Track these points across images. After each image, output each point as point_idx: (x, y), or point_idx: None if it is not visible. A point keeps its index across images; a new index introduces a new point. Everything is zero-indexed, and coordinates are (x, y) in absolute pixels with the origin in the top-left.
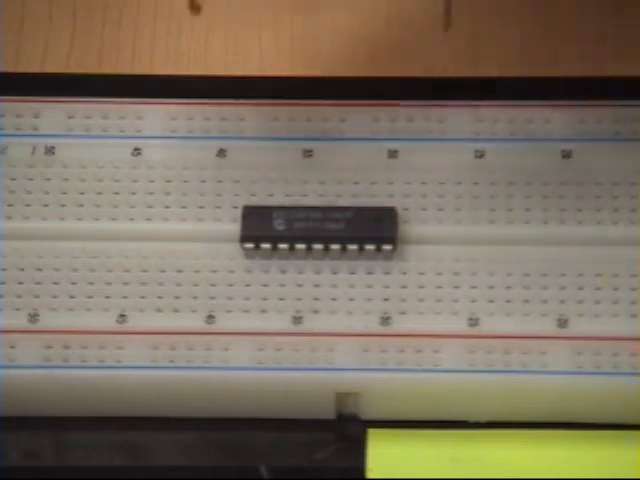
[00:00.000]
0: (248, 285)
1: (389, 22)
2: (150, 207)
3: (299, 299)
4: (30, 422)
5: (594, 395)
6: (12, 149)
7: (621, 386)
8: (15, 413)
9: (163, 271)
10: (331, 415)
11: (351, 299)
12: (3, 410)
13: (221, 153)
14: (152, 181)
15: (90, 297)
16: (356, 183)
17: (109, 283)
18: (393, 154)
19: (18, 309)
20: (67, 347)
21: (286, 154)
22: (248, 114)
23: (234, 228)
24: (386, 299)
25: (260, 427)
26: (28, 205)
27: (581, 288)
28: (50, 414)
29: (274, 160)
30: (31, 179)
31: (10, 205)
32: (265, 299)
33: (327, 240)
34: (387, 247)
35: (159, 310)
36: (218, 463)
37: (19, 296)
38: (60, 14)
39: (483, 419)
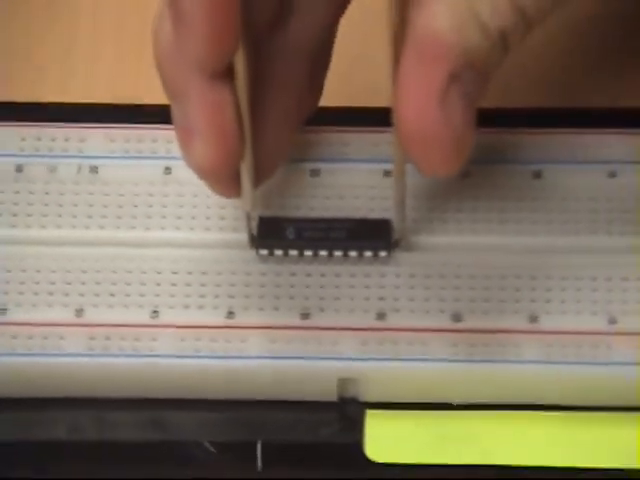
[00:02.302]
0: (263, 286)
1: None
2: (179, 218)
3: (307, 298)
4: (75, 402)
5: (560, 381)
6: (61, 168)
7: (583, 373)
8: (62, 395)
9: (190, 273)
10: (333, 398)
11: (352, 298)
12: (53, 392)
13: None
14: (181, 196)
15: (127, 295)
16: (356, 198)
17: (144, 284)
18: (388, 174)
19: (66, 305)
20: (108, 338)
21: (296, 173)
22: None
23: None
24: (381, 298)
25: (272, 408)
26: (75, 216)
27: (549, 290)
28: (92, 396)
29: (286, 179)
30: (77, 194)
31: (59, 216)
32: (277, 298)
33: (331, 247)
34: (382, 254)
35: (186, 307)
36: (235, 438)
37: (67, 294)
38: (102, 50)
39: (465, 401)
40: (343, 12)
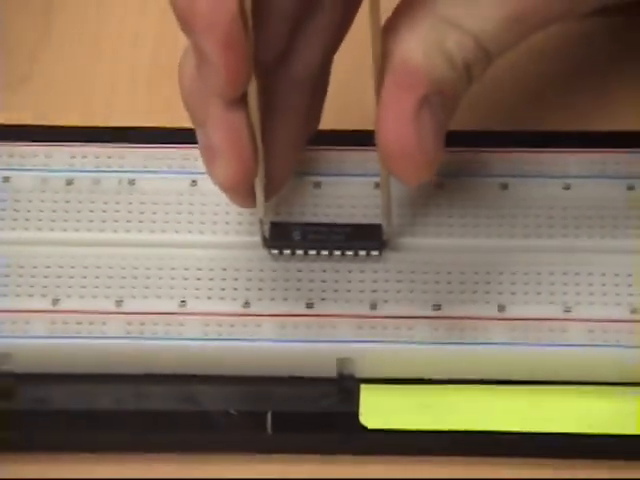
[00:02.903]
0: (274, 280)
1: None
2: (203, 223)
3: (311, 290)
4: (116, 378)
5: (523, 360)
6: (104, 181)
7: (542, 353)
8: (106, 372)
9: (212, 270)
10: (333, 374)
11: (349, 290)
12: (98, 369)
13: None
14: (204, 204)
15: (159, 288)
16: (351, 206)
17: (173, 278)
18: (378, 186)
19: (108, 297)
20: (142, 324)
21: (301, 186)
22: None
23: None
24: (374, 291)
25: (281, 383)
26: (116, 221)
27: (513, 283)
28: (130, 372)
29: (292, 190)
30: (118, 203)
31: (103, 221)
32: (286, 290)
33: (331, 248)
34: (374, 253)
35: (209, 298)
36: (250, 408)
37: (108, 287)
38: (139, 84)
39: (444, 377)
40: (336, 49)
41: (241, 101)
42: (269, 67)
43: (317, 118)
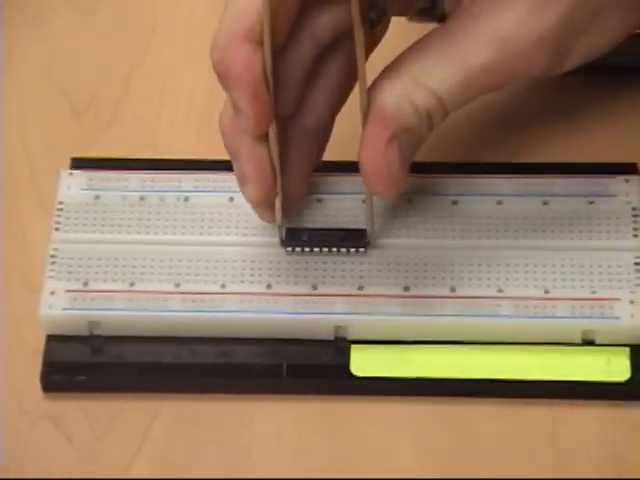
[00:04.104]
0: (288, 270)
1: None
2: (237, 228)
3: (315, 277)
4: (174, 340)
5: (468, 327)
6: (167, 198)
7: (481, 323)
8: (167, 335)
9: (244, 261)
10: (331, 337)
11: (342, 277)
12: (161, 333)
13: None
14: (239, 215)
15: (206, 275)
16: (345, 216)
17: (216, 268)
18: (364, 201)
19: (169, 281)
20: (194, 301)
21: (308, 201)
22: None
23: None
24: (361, 277)
25: (293, 344)
26: (175, 227)
27: (461, 271)
28: (185, 336)
29: (302, 204)
30: (176, 214)
31: (166, 227)
32: (297, 277)
33: (330, 246)
34: (361, 250)
35: (242, 282)
36: (271, 362)
37: (170, 274)
38: (191, 124)
39: (412, 339)
40: (341, 107)
41: (265, 140)
42: (285, 117)
43: (320, 153)
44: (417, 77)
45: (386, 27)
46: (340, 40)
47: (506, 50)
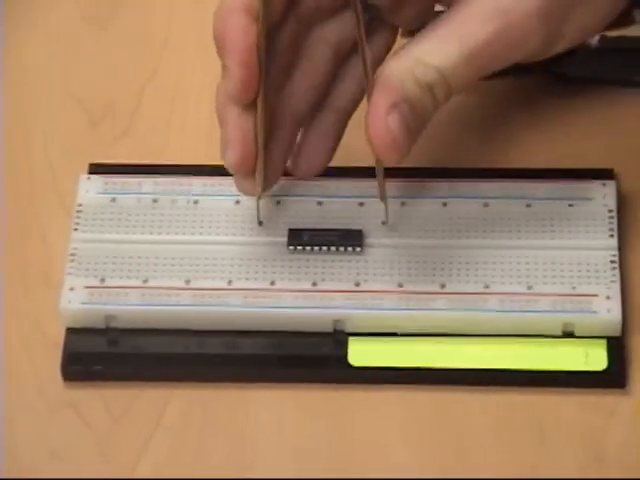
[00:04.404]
0: (291, 267)
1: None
2: (243, 229)
3: (315, 273)
4: (184, 332)
5: (457, 321)
6: (178, 201)
7: (469, 317)
8: (177, 327)
9: (249, 260)
10: (330, 330)
11: (341, 274)
12: (173, 326)
13: (279, 203)
14: (244, 216)
15: (214, 272)
16: (343, 217)
17: (223, 265)
18: (361, 204)
19: (180, 278)
20: (203, 296)
21: (309, 203)
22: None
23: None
24: (357, 274)
25: (295, 336)
26: (185, 227)
27: (450, 269)
28: (194, 328)
29: (303, 206)
30: (187, 215)
31: (177, 227)
32: (299, 274)
33: (329, 245)
34: (358, 249)
35: (247, 279)
36: (273, 352)
37: (180, 271)
38: (200, 133)
39: (405, 332)
40: (325, 96)
41: (250, 110)
42: (275, 96)
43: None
44: (420, 56)
45: (392, 39)
46: (324, 23)
47: (506, 22)
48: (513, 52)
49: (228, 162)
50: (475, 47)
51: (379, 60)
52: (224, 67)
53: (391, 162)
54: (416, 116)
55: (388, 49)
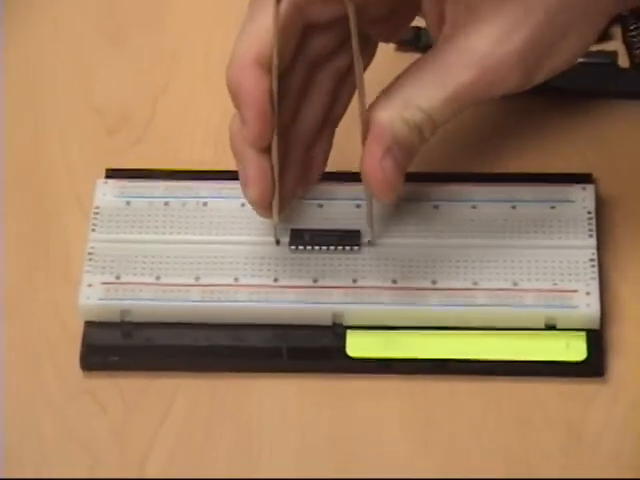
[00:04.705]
0: (293, 265)
1: None
2: (249, 229)
3: (316, 271)
4: (193, 325)
5: (447, 315)
6: (188, 204)
7: (459, 311)
8: (187, 321)
9: (254, 258)
10: (329, 323)
11: (339, 271)
12: (183, 319)
13: None
14: (250, 218)
15: (221, 270)
16: (342, 219)
17: (230, 263)
18: (359, 206)
19: (189, 275)
20: (211, 292)
21: (310, 206)
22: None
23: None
24: (355, 271)
25: (296, 329)
26: (195, 228)
27: (441, 267)
28: (202, 322)
29: (304, 208)
30: (195, 217)
31: (187, 228)
32: (300, 271)
33: (328, 245)
34: (355, 248)
35: (253, 276)
36: (275, 344)
37: (190, 269)
38: (208, 140)
39: (399, 325)
40: (332, 123)
41: (266, 151)
42: (285, 130)
43: (319, 166)
44: (407, 98)
45: (373, 52)
46: (330, 60)
47: (484, 69)
48: (493, 91)
49: (249, 199)
50: (457, 90)
51: (365, 67)
52: (240, 116)
53: (387, 200)
54: (406, 154)
55: (370, 61)
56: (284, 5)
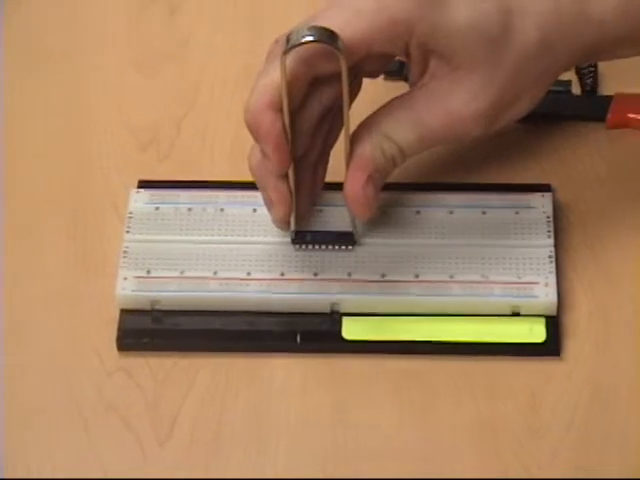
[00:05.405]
0: (296, 261)
1: None
2: (259, 231)
3: (316, 266)
4: (212, 313)
5: (428, 304)
6: (208, 209)
7: (437, 301)
8: (207, 309)
9: (264, 255)
10: (327, 311)
11: (336, 266)
12: (204, 307)
13: None
14: (260, 221)
15: (236, 265)
16: (339, 222)
17: (244, 260)
18: None
19: (209, 270)
20: (227, 284)
21: (312, 211)
22: None
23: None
24: (349, 266)
25: (299, 316)
26: (213, 230)
27: (423, 263)
28: (220, 310)
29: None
30: (214, 221)
31: (207, 230)
32: (302, 266)
33: (327, 244)
34: (350, 247)
35: (262, 271)
36: (285, 329)
37: (209, 265)
38: (223, 155)
39: (387, 312)
40: (331, 148)
41: (284, 177)
42: (299, 158)
43: (321, 182)
44: (386, 133)
45: (359, 87)
46: (335, 102)
47: (452, 120)
48: (458, 138)
49: (273, 218)
50: (427, 134)
51: (354, 97)
52: (260, 149)
53: (365, 218)
54: (382, 179)
55: (359, 90)
56: (293, 60)
